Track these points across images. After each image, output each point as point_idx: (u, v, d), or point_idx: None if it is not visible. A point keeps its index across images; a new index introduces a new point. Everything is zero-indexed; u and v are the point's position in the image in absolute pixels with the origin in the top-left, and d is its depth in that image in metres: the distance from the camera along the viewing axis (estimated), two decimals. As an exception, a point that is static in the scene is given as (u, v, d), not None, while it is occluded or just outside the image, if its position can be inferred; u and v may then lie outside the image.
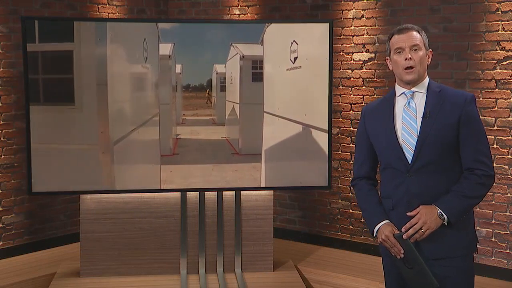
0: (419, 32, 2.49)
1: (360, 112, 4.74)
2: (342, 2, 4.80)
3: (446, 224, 2.42)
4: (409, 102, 2.51)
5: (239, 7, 5.27)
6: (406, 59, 2.45)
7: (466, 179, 2.45)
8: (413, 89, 2.51)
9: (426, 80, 2.53)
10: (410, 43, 2.46)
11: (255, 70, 4.11)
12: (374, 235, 2.57)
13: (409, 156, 2.47)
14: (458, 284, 2.48)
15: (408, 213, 2.46)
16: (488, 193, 2.54)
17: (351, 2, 4.76)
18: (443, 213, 2.41)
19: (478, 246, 2.78)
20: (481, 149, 2.46)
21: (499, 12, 4.11)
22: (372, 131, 2.62)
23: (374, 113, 2.64)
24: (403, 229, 2.45)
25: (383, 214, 2.56)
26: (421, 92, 2.51)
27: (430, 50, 2.54)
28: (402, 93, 2.53)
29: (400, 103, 2.54)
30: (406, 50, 2.46)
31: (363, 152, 2.69)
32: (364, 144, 2.68)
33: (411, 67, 2.46)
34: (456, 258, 2.47)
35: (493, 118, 4.20)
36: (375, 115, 2.62)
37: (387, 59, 2.57)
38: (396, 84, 2.58)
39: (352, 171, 4.81)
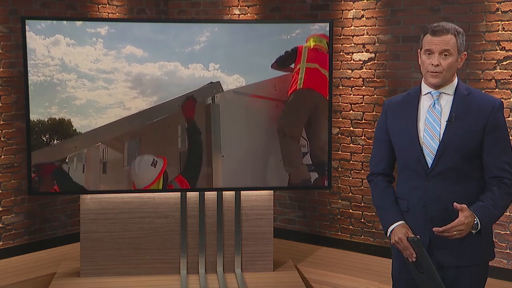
0: (455, 36, 2.35)
1: (360, 112, 4.78)
2: (342, 2, 4.80)
3: (473, 232, 2.31)
4: (434, 103, 2.41)
5: (239, 7, 5.27)
6: (433, 64, 2.35)
7: (497, 188, 2.35)
8: (441, 89, 2.41)
9: (455, 81, 2.43)
10: (441, 48, 2.33)
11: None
12: (388, 235, 2.48)
13: (429, 160, 2.39)
14: None
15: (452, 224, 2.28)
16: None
17: (351, 2, 4.76)
18: (479, 223, 2.29)
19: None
20: (506, 158, 2.38)
21: (499, 12, 4.11)
22: (393, 127, 2.52)
23: (397, 109, 2.52)
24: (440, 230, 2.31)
25: (398, 214, 2.46)
26: (448, 94, 2.41)
27: (465, 53, 2.41)
28: (428, 93, 2.43)
29: (425, 103, 2.44)
30: (436, 54, 2.34)
31: (382, 147, 2.58)
32: (383, 139, 2.57)
33: (436, 72, 2.36)
34: (471, 266, 2.40)
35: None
36: (398, 111, 2.51)
37: (419, 52, 2.45)
38: (422, 81, 2.47)
39: (351, 171, 4.88)
